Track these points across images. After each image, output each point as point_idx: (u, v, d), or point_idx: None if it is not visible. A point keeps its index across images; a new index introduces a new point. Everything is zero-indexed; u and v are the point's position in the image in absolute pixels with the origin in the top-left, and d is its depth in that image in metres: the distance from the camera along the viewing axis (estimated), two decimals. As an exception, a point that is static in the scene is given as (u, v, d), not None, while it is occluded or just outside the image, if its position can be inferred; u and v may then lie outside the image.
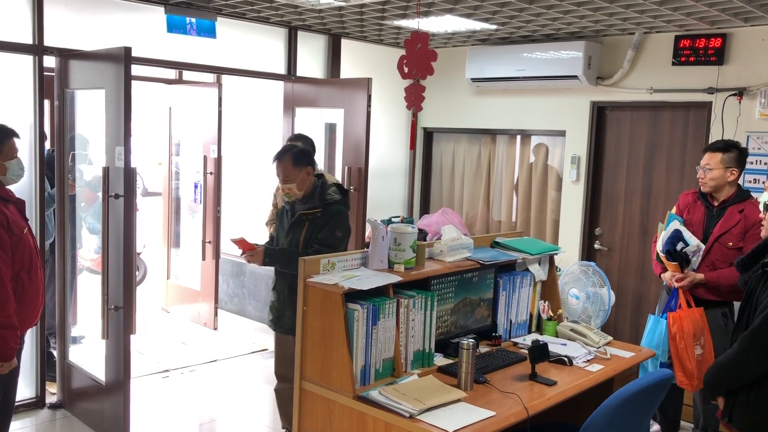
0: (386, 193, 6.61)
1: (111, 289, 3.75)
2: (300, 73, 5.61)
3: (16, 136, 3.17)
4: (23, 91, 4.18)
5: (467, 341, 2.77)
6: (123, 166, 3.65)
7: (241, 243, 3.52)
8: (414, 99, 3.44)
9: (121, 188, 3.67)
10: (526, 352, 3.11)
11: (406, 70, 3.38)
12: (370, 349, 2.73)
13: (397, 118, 6.46)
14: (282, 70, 5.56)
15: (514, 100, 5.99)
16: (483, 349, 3.25)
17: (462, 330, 3.23)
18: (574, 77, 5.25)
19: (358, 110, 4.88)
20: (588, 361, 3.18)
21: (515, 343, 3.40)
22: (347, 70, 5.90)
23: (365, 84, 4.82)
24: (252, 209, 6.34)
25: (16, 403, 4.20)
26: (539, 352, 3.01)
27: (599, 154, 5.56)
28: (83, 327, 5.37)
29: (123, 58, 3.60)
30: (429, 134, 6.74)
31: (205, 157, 6.11)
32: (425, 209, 6.83)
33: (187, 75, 6.72)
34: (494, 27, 5.07)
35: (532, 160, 6.08)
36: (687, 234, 3.76)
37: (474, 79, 5.91)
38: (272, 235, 3.91)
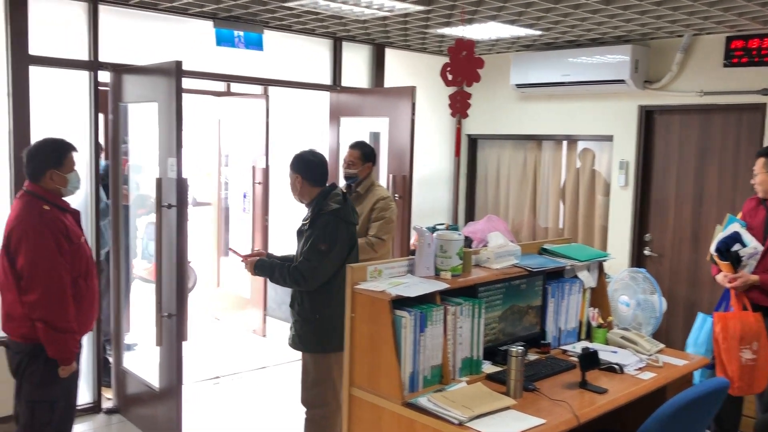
0: (431, 201, 6.62)
1: (164, 297, 3.84)
2: (345, 83, 5.68)
3: (75, 150, 3.28)
4: (79, 106, 4.34)
5: (516, 348, 2.75)
6: (175, 177, 3.75)
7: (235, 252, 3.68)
8: (459, 106, 3.45)
9: (174, 198, 3.77)
10: (576, 359, 3.07)
11: (450, 77, 3.39)
12: (418, 356, 2.74)
13: (442, 125, 6.47)
14: (327, 80, 5.63)
15: (559, 106, 5.94)
16: (532, 356, 3.22)
17: (510, 337, 3.21)
18: (621, 81, 5.17)
19: (402, 119, 4.91)
20: (639, 369, 3.12)
21: (564, 351, 3.36)
22: (392, 79, 5.95)
23: (409, 93, 4.84)
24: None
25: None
26: (589, 360, 2.97)
27: (648, 159, 5.47)
28: (136, 334, 5.51)
29: (174, 71, 3.70)
30: (473, 141, 6.73)
31: (253, 168, 6.23)
32: (470, 216, 6.81)
33: (236, 87, 6.85)
34: (539, 33, 5.04)
35: (579, 165, 6.01)
36: (746, 236, 3.70)
37: (519, 85, 5.88)
38: None
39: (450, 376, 2.85)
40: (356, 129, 5.86)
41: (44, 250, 3.02)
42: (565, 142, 6.11)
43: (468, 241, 6.17)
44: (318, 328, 3.49)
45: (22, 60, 4.00)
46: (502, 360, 2.98)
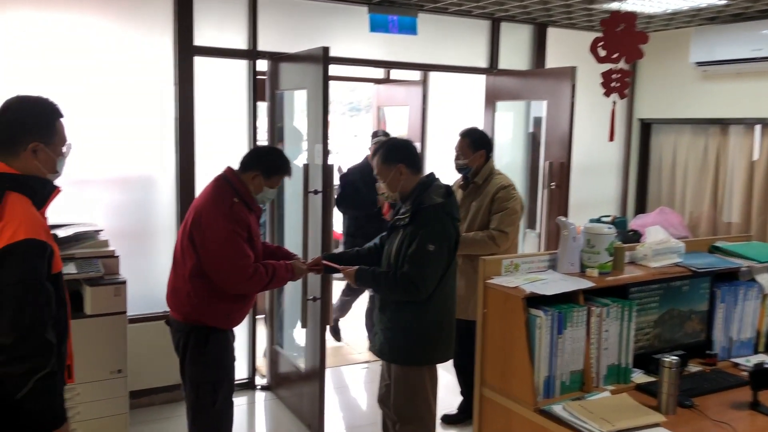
0: (596, 191, 6.19)
1: (309, 281, 3.89)
2: (502, 65, 5.43)
3: (288, 175, 3.29)
4: (238, 94, 4.52)
5: (670, 359, 2.43)
6: (321, 163, 3.77)
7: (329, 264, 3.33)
8: (617, 86, 3.10)
9: (320, 184, 3.79)
10: (748, 375, 2.66)
11: (602, 53, 3.05)
12: (555, 360, 2.51)
13: (609, 110, 6.01)
14: (483, 63, 5.42)
15: (749, 85, 5.25)
16: (693, 368, 2.85)
17: (667, 344, 2.86)
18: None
19: (561, 102, 4.59)
20: (830, 392, 2.64)
21: (735, 364, 2.93)
22: (554, 60, 5.60)
23: (569, 73, 4.51)
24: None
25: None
26: (764, 377, 2.56)
27: None
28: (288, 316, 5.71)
29: (322, 58, 3.71)
30: (646, 126, 6.18)
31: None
32: (641, 208, 6.27)
33: (395, 74, 6.84)
34: (724, 2, 4.47)
35: (772, 153, 5.28)
36: None
37: (700, 63, 5.28)
38: (375, 242, 3.45)
39: (592, 384, 2.59)
40: (513, 113, 5.61)
41: (230, 239, 3.03)
42: (758, 127, 5.38)
43: (636, 236, 5.69)
44: (413, 338, 3.11)
45: (187, 51, 4.23)
46: (655, 369, 2.65)
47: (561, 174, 4.70)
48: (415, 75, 6.58)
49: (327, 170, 3.77)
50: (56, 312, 2.12)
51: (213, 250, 3.03)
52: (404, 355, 3.14)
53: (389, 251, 3.14)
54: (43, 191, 2.19)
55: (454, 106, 6.47)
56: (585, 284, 2.60)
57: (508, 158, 5.57)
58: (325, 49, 3.72)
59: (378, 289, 3.17)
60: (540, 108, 5.20)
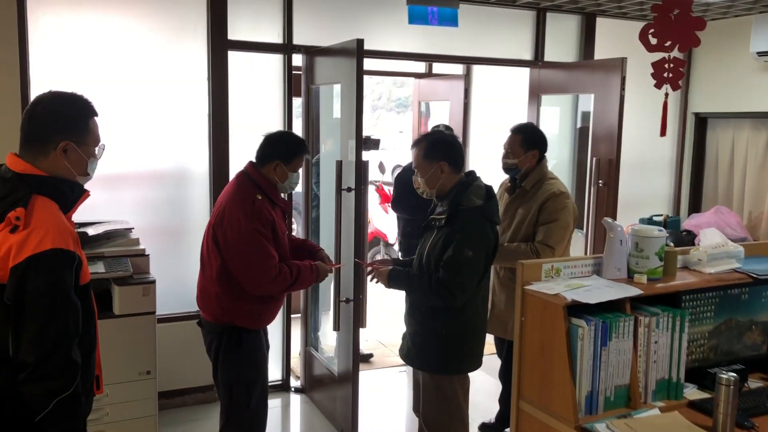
0: (647, 189, 5.91)
1: (343, 282, 3.76)
2: (548, 57, 5.20)
3: (307, 153, 3.22)
4: (273, 89, 4.41)
5: (728, 375, 2.21)
6: (354, 160, 3.63)
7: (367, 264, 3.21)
8: (670, 76, 2.86)
9: (353, 181, 3.66)
10: (816, 394, 2.42)
11: (653, 41, 2.81)
12: (599, 374, 2.31)
13: (661, 103, 5.72)
14: (528, 55, 5.20)
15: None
16: (754, 383, 2.61)
17: (724, 358, 2.63)
18: None
19: (609, 95, 4.33)
20: None
21: (801, 380, 2.69)
22: (604, 52, 5.33)
23: (619, 65, 4.26)
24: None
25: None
26: (833, 397, 2.32)
27: None
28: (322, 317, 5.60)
29: (356, 51, 3.57)
30: (702, 120, 5.86)
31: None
32: (695, 207, 5.96)
33: (438, 68, 6.65)
34: (788, -13, 4.16)
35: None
36: None
37: (761, 53, 4.96)
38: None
39: (639, 400, 2.38)
40: (560, 107, 5.37)
41: (253, 239, 2.94)
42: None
43: (690, 237, 5.39)
44: (444, 345, 2.95)
45: (221, 45, 4.14)
46: (710, 384, 2.43)
47: (609, 171, 4.45)
48: (458, 69, 6.39)
49: (360, 167, 3.63)
50: (84, 325, 1.98)
51: (236, 251, 2.95)
52: (433, 362, 3.00)
53: (422, 251, 3.00)
54: (71, 195, 2.04)
55: (498, 101, 6.25)
56: (632, 291, 2.40)
57: (555, 155, 5.33)
58: (359, 42, 3.58)
59: (411, 293, 3.02)
60: (589, 102, 4.96)
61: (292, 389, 4.66)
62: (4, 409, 1.91)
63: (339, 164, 3.73)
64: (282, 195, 3.19)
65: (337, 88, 4.21)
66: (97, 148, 2.11)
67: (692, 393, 2.51)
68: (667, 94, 2.93)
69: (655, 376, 2.43)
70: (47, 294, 1.85)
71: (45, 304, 1.85)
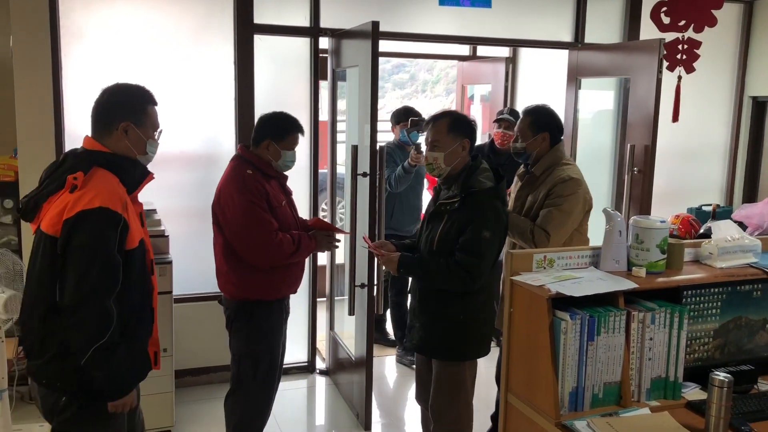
0: (698, 177, 5.63)
1: (357, 267, 3.75)
2: (590, 39, 4.99)
3: (302, 132, 3.26)
4: (299, 73, 4.42)
5: (721, 376, 2.08)
6: (369, 145, 3.60)
7: (376, 248, 3.03)
8: (684, 58, 2.69)
9: (368, 166, 3.63)
10: (829, 400, 2.25)
11: (666, 20, 2.64)
12: (584, 369, 2.22)
13: (715, 86, 5.42)
14: (568, 37, 5.01)
15: None
16: (763, 385, 2.45)
17: (732, 358, 2.48)
18: None
19: (645, 78, 4.11)
20: None
21: (818, 385, 2.51)
22: (652, 32, 5.07)
23: (655, 47, 4.02)
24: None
25: (291, 365, 4.55)
26: None
27: None
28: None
29: (371, 33, 3.52)
30: (760, 105, 5.52)
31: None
32: (750, 197, 5.64)
33: (482, 50, 6.51)
34: None
35: None
36: None
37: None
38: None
39: (630, 398, 2.28)
40: (602, 90, 5.15)
41: (248, 210, 3.03)
42: None
43: (742, 228, 5.10)
44: (461, 331, 2.90)
45: (247, 28, 4.17)
46: (713, 386, 2.30)
47: (645, 158, 4.25)
48: (503, 51, 6.24)
49: (375, 152, 3.59)
50: (128, 283, 2.21)
51: (235, 224, 3.05)
52: (448, 349, 2.95)
53: (431, 237, 2.92)
54: (133, 173, 2.31)
55: (543, 85, 6.06)
56: (625, 285, 2.29)
57: (594, 140, 5.14)
58: (375, 24, 3.53)
59: (426, 278, 2.92)
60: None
61: (317, 371, 4.70)
62: (59, 352, 2.17)
63: (354, 149, 3.71)
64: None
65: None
66: (156, 132, 2.40)
67: (693, 393, 2.39)
68: (680, 77, 2.76)
69: (649, 374, 2.32)
70: (89, 246, 2.10)
71: (86, 255, 2.09)
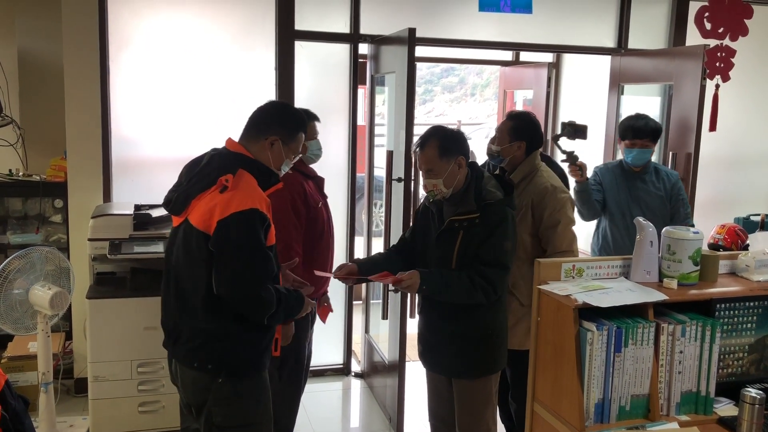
0: (745, 186, 5.47)
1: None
2: (634, 45, 4.92)
3: (317, 119, 3.33)
4: (339, 79, 4.47)
5: (754, 392, 2.04)
6: (404, 150, 3.62)
7: (384, 277, 2.78)
8: (721, 66, 2.63)
9: (402, 172, 3.65)
10: None
11: (708, 26, 2.58)
12: (611, 381, 2.20)
13: (761, 92, 5.26)
14: (611, 43, 4.94)
15: None
16: (801, 404, 2.38)
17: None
18: None
19: (688, 84, 4.03)
20: None
21: None
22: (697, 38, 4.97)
23: (699, 53, 3.94)
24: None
25: (326, 367, 4.60)
26: None
27: None
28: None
29: (407, 39, 3.55)
30: (811, 112, 5.34)
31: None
32: (802, 207, 5.45)
33: (525, 56, 6.47)
34: None
35: None
36: None
37: None
38: (404, 238, 3.06)
39: (658, 412, 2.24)
40: (647, 97, 5.06)
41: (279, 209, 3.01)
42: None
43: (790, 238, 4.94)
44: (488, 345, 2.82)
45: (288, 35, 4.24)
46: (747, 402, 2.25)
47: (687, 166, 4.16)
48: (547, 57, 6.19)
49: (410, 157, 3.61)
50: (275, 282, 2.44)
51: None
52: (475, 367, 2.85)
53: (445, 256, 2.75)
54: (268, 180, 2.49)
55: (586, 91, 5.99)
56: (654, 297, 2.25)
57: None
58: (411, 31, 3.56)
59: (449, 295, 2.72)
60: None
61: (353, 374, 4.74)
62: (216, 335, 2.40)
63: (390, 154, 3.74)
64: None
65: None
66: (295, 156, 2.61)
67: (725, 409, 2.33)
68: (718, 86, 2.70)
69: (679, 388, 2.28)
70: (245, 244, 2.31)
71: (243, 252, 2.30)
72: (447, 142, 2.73)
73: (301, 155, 3.17)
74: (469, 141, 2.94)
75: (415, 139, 2.92)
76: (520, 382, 2.94)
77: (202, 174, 2.42)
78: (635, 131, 3.62)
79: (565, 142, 3.81)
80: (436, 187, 2.73)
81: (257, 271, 2.34)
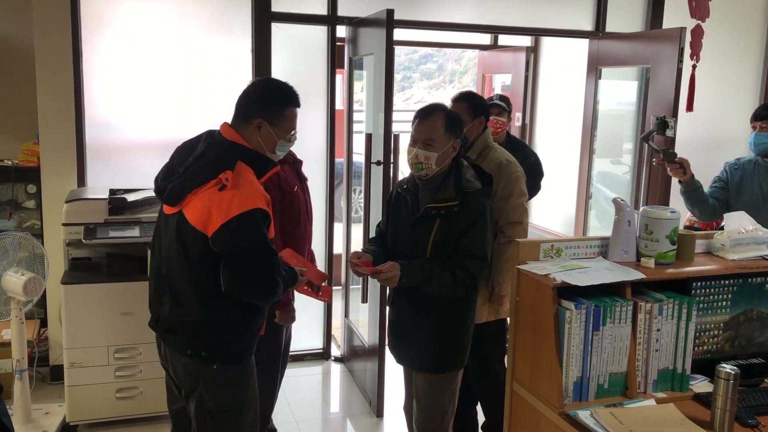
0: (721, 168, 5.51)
1: (371, 255, 3.76)
2: (611, 28, 4.93)
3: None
4: (316, 62, 4.43)
5: (727, 369, 2.06)
6: (383, 133, 3.61)
7: (365, 267, 2.68)
8: (699, 47, 2.65)
9: (382, 155, 3.64)
10: (840, 395, 2.21)
11: (694, 4, 2.57)
12: (589, 359, 2.21)
13: (739, 76, 5.31)
14: (588, 26, 4.95)
15: None
16: (774, 380, 2.42)
17: (742, 351, 2.45)
18: None
19: (665, 67, 4.06)
20: None
21: (831, 380, 2.47)
22: (675, 21, 4.98)
23: (676, 35, 3.97)
24: (556, 179, 5.87)
25: (306, 351, 4.59)
26: None
27: None
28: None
29: (385, 21, 3.52)
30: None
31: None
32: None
33: (503, 40, 6.46)
34: None
35: None
36: None
37: None
38: (380, 229, 2.98)
39: (636, 389, 2.26)
40: (624, 81, 5.09)
41: None
42: None
43: None
44: (461, 340, 2.77)
45: (264, 16, 4.19)
46: (722, 378, 2.28)
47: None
48: (525, 41, 6.19)
49: (389, 140, 3.60)
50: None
51: None
52: (448, 360, 2.78)
53: (420, 243, 2.66)
54: (265, 168, 2.39)
55: (561, 74, 6.01)
56: (632, 276, 2.27)
57: (614, 131, 5.08)
58: (389, 12, 3.53)
59: (430, 288, 2.61)
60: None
61: (332, 358, 4.74)
62: (215, 326, 2.37)
63: (368, 137, 3.72)
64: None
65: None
66: (290, 134, 2.44)
67: (701, 386, 2.36)
68: (694, 66, 2.72)
69: (656, 365, 2.31)
70: (252, 247, 2.26)
71: (252, 255, 2.26)
72: (452, 119, 2.66)
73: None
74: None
75: (395, 126, 2.88)
76: (481, 356, 3.06)
77: (198, 167, 2.30)
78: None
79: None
80: (428, 160, 2.60)
81: (269, 270, 2.31)
